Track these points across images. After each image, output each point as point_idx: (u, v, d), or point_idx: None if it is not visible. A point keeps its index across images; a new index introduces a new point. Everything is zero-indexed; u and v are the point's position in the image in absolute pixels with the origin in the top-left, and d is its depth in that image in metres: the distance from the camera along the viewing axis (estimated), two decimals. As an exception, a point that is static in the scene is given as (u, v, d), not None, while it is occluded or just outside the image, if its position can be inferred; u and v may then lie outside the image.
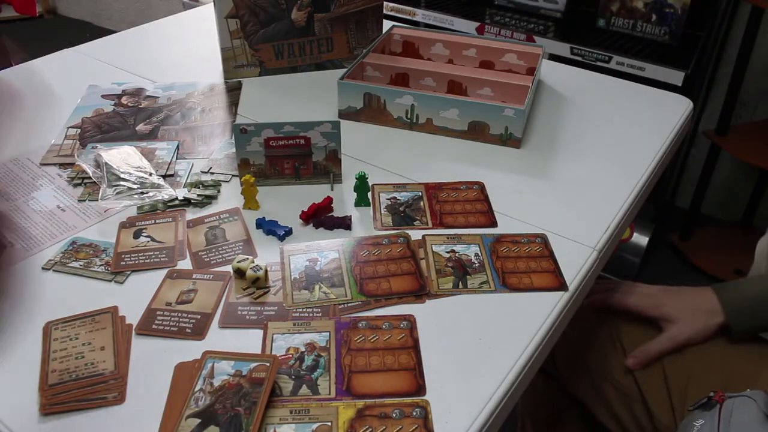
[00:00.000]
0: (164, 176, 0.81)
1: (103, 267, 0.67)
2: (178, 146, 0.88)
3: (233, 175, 0.82)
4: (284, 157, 0.79)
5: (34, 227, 0.72)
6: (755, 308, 0.78)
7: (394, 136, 0.93)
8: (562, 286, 0.66)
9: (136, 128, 0.93)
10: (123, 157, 0.82)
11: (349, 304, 0.63)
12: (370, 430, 0.51)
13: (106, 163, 0.80)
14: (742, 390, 0.70)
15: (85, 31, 3.73)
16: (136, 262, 0.68)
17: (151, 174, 0.80)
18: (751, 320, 0.77)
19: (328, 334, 0.59)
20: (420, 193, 0.80)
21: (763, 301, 0.77)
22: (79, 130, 0.92)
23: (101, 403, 0.53)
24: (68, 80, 1.06)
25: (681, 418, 0.77)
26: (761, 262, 1.06)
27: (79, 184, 0.80)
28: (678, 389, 0.80)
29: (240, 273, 0.65)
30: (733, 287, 0.80)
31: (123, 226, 0.73)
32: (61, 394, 0.53)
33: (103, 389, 0.54)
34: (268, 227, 0.72)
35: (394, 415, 0.52)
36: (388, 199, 0.78)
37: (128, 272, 0.67)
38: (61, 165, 0.84)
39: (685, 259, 2.03)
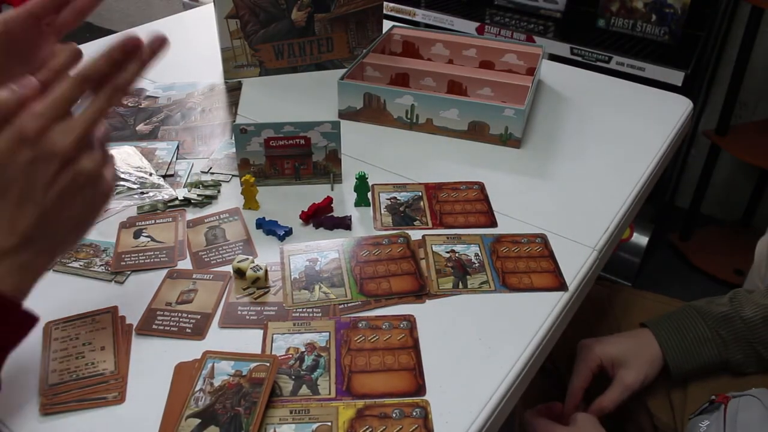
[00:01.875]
0: (164, 176, 0.81)
1: (103, 267, 0.67)
2: (178, 146, 0.88)
3: (233, 175, 0.82)
4: (284, 157, 0.79)
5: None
6: (691, 347, 0.75)
7: (394, 136, 0.93)
8: (562, 286, 0.66)
9: (136, 128, 0.93)
10: (123, 157, 0.82)
11: (349, 304, 0.63)
12: (370, 430, 0.51)
13: (106, 163, 0.80)
14: (745, 388, 0.70)
15: (85, 31, 3.72)
16: (136, 262, 0.68)
17: (151, 174, 0.80)
18: (689, 361, 0.75)
19: (328, 334, 0.59)
20: (420, 193, 0.80)
21: (700, 341, 0.75)
22: (79, 130, 0.92)
23: (101, 403, 0.53)
24: (68, 80, 1.06)
25: (680, 417, 0.77)
26: (761, 262, 1.06)
27: (79, 184, 0.80)
28: (677, 388, 0.80)
29: (240, 273, 0.65)
30: (670, 325, 0.78)
31: (123, 226, 0.73)
32: (62, 394, 0.53)
33: (103, 389, 0.54)
34: (268, 227, 0.72)
35: (394, 415, 0.52)
36: (388, 199, 0.78)
37: (128, 272, 0.67)
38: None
39: (684, 259, 2.03)
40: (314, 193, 0.79)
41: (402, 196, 0.79)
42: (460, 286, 0.66)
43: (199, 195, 0.78)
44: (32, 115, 0.45)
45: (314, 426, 0.51)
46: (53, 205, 0.46)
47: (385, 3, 1.39)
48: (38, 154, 0.44)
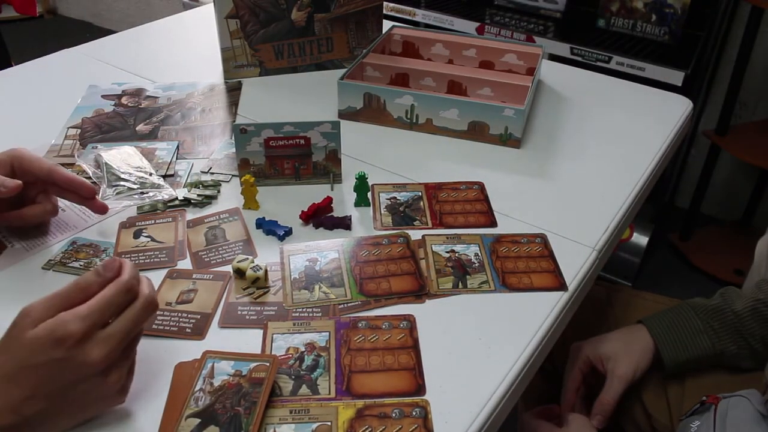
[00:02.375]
0: (164, 176, 0.81)
1: (103, 267, 0.67)
2: (178, 146, 0.88)
3: (233, 175, 0.82)
4: (284, 157, 0.79)
5: (34, 227, 0.72)
6: (684, 338, 0.77)
7: (394, 136, 0.93)
8: (561, 286, 0.66)
9: (136, 128, 0.93)
10: (123, 157, 0.82)
11: (349, 304, 0.63)
12: (370, 429, 0.51)
13: (106, 164, 0.80)
14: (739, 387, 0.70)
15: (85, 32, 3.73)
16: (136, 262, 0.68)
17: (151, 174, 0.80)
18: (683, 352, 0.77)
19: (327, 334, 0.59)
20: (420, 193, 0.80)
21: (693, 332, 0.77)
22: (79, 131, 0.92)
23: (101, 403, 0.53)
24: (68, 80, 1.06)
25: (678, 418, 0.77)
26: (761, 262, 1.06)
27: (79, 184, 0.80)
28: (675, 390, 0.80)
29: (240, 273, 0.65)
30: (663, 319, 0.80)
31: (123, 226, 0.73)
32: (61, 394, 0.53)
33: (103, 389, 0.54)
34: (268, 227, 0.72)
35: (393, 414, 0.52)
36: (387, 199, 0.78)
37: (128, 272, 0.67)
38: (62, 165, 0.84)
39: (684, 259, 2.03)
40: (314, 193, 0.79)
41: (402, 196, 0.79)
42: (460, 286, 0.66)
43: (199, 195, 0.78)
44: (77, 316, 0.45)
45: (314, 426, 0.51)
46: (62, 402, 0.46)
47: (385, 3, 1.39)
48: (69, 357, 0.45)
